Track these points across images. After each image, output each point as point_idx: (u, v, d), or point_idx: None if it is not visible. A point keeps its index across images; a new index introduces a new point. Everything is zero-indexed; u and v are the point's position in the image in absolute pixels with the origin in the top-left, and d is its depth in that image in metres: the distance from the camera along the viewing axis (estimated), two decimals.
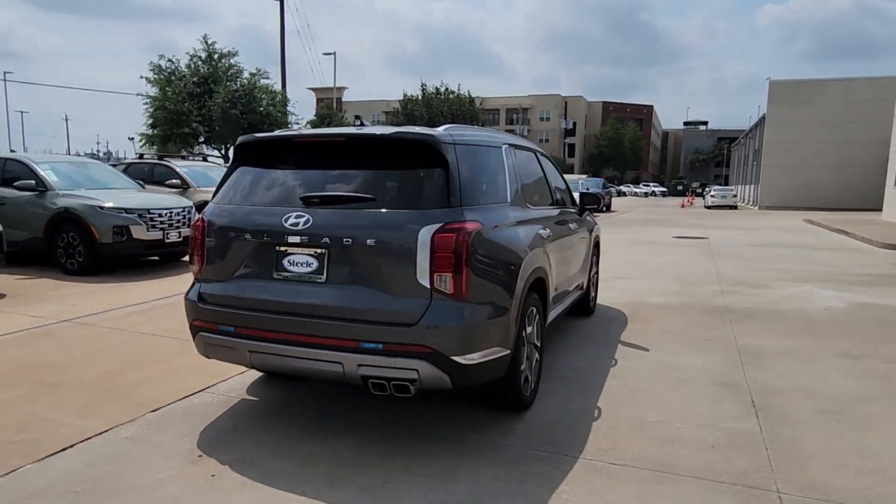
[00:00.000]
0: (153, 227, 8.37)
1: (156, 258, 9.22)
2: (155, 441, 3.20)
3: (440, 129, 3.27)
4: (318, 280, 3.01)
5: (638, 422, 3.52)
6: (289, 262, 3.06)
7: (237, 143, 3.40)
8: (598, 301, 6.81)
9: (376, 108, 77.04)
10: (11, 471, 2.86)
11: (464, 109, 30.47)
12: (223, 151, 28.86)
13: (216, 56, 28.15)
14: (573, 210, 5.41)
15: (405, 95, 30.90)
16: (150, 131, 27.41)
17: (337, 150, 3.23)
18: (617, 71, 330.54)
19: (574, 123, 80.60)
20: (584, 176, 36.48)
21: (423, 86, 30.45)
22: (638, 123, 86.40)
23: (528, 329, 3.62)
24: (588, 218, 5.99)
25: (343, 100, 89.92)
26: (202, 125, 25.88)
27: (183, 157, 15.89)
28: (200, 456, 3.04)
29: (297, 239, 3.00)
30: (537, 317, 3.78)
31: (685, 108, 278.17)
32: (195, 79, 27.31)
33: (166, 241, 8.54)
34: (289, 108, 29.80)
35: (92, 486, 2.74)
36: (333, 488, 2.74)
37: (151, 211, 8.41)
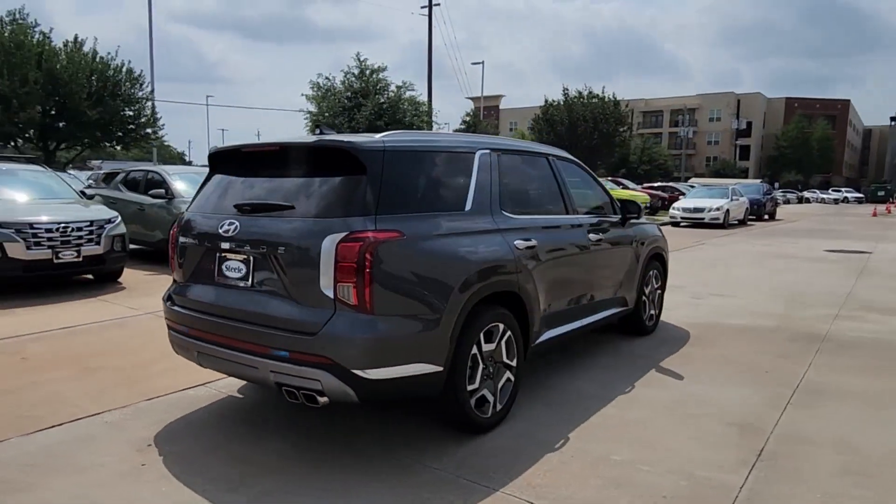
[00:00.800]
0: (37, 244, 6.95)
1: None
2: (125, 427, 3.51)
3: (379, 134, 3.20)
4: (244, 285, 3.10)
5: (598, 459, 3.13)
6: (226, 267, 3.19)
7: (209, 153, 3.63)
8: (670, 320, 6.17)
9: (531, 115, 77.06)
10: (1, 440, 3.31)
11: (607, 113, 29.23)
12: None
13: (368, 72, 30.05)
14: (612, 219, 4.97)
15: (546, 101, 30.45)
16: None
17: (273, 158, 3.30)
18: (810, 63, 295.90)
19: (749, 123, 73.65)
20: (744, 180, 33.02)
21: (565, 90, 29.80)
22: (829, 121, 76.12)
23: (489, 347, 3.39)
24: (642, 228, 5.46)
25: (500, 107, 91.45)
26: None
27: None
28: (149, 445, 3.27)
29: (227, 245, 3.12)
30: (508, 334, 3.53)
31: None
32: (348, 94, 29.41)
33: (56, 260, 7.07)
34: (434, 119, 30.88)
35: (46, 461, 3.08)
36: (232, 491, 2.80)
37: (35, 226, 6.99)
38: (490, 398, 3.43)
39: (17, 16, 18.29)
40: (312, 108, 29.26)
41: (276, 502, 2.71)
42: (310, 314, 2.85)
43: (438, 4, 34.79)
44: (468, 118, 40.11)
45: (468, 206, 3.42)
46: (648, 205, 24.30)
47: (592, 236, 4.52)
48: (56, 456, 3.14)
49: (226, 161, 3.57)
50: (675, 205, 20.83)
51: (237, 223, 3.10)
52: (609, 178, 26.97)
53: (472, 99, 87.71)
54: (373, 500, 2.72)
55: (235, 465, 3.04)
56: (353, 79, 30.12)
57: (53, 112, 18.12)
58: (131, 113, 19.67)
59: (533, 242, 3.76)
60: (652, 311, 5.73)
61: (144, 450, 3.22)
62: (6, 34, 17.44)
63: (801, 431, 3.50)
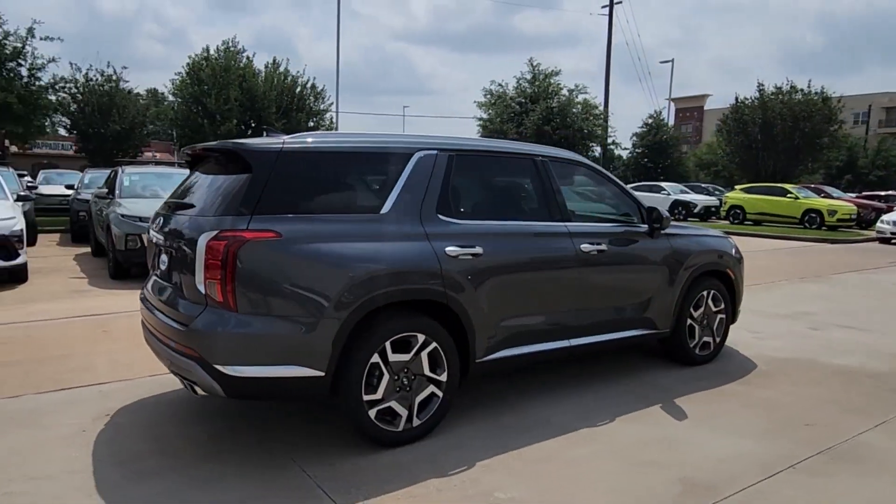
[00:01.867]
0: None
1: None
2: (109, 397, 3.96)
3: (294, 136, 3.22)
4: (165, 279, 3.34)
5: (480, 493, 2.81)
6: (160, 261, 3.47)
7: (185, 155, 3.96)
8: (752, 350, 5.28)
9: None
10: (17, 396, 3.97)
11: (812, 110, 25.22)
12: None
13: (541, 76, 29.87)
14: (634, 229, 4.37)
15: (737, 99, 27.28)
16: None
17: (202, 160, 3.48)
18: None
19: None
20: None
21: (760, 85, 26.40)
22: None
23: (400, 357, 3.22)
24: (691, 240, 4.71)
25: (705, 108, 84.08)
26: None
27: None
28: (107, 415, 3.68)
29: (156, 239, 3.40)
30: (433, 346, 3.31)
31: None
32: (520, 99, 29.54)
33: None
34: (610, 123, 29.65)
35: (25, 417, 3.62)
36: (120, 465, 3.03)
37: None
38: (401, 412, 3.25)
39: (230, 44, 21.55)
40: (483, 115, 29.91)
41: (146, 480, 2.88)
42: (189, 308, 2.99)
43: (620, 2, 33.37)
44: (651, 120, 37.69)
45: (386, 209, 3.28)
46: (854, 216, 20.62)
47: (588, 246, 4.01)
48: (16, 419, 3.62)
49: (190, 163, 3.88)
50: (885, 217, 17.38)
51: (162, 219, 3.36)
52: (804, 186, 23.35)
53: (673, 100, 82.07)
54: (222, 493, 2.76)
55: (146, 443, 3.29)
56: (526, 84, 30.17)
57: (250, 125, 21.01)
58: (312, 124, 21.97)
59: (477, 250, 3.47)
60: (706, 339, 4.90)
61: (100, 419, 3.63)
62: (219, 61, 20.63)
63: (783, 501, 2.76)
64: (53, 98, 18.88)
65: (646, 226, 4.43)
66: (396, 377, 3.23)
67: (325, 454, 3.17)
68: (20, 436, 3.37)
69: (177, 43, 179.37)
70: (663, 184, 25.95)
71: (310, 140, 3.29)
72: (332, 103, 23.31)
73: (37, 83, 18.95)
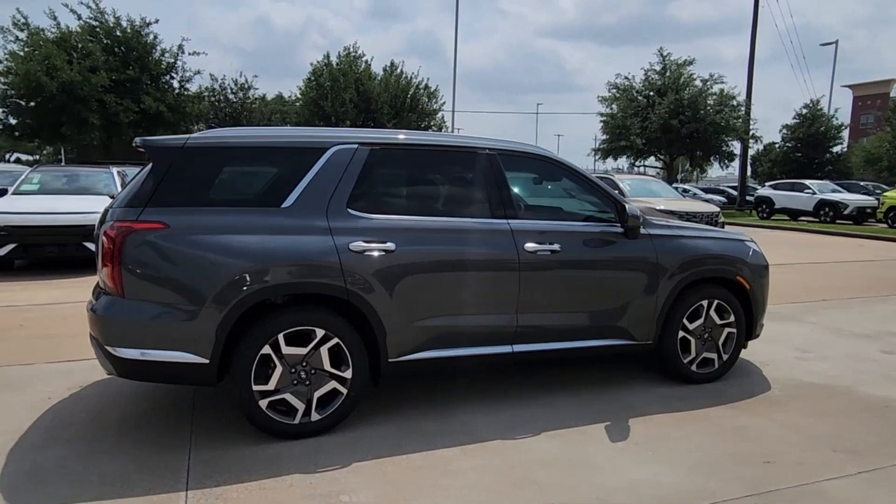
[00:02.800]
0: None
1: None
2: (78, 373, 4.31)
3: (206, 131, 3.36)
4: None
5: (324, 494, 2.75)
6: None
7: None
8: (777, 372, 4.60)
9: None
10: (31, 364, 4.56)
11: None
12: (666, 161, 28.67)
13: (672, 67, 28.01)
14: (608, 229, 3.98)
15: None
16: (602, 146, 29.59)
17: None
18: None
19: None
20: None
21: None
22: None
23: (296, 350, 3.24)
24: (684, 243, 4.19)
25: (892, 95, 73.33)
26: (640, 137, 26.31)
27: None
28: (81, 387, 4.10)
29: None
30: (335, 342, 3.29)
31: None
32: (647, 92, 27.94)
33: None
34: (752, 119, 27.06)
35: (15, 383, 4.15)
36: (43, 449, 3.37)
37: None
38: (297, 405, 3.27)
39: (351, 49, 22.77)
40: (606, 110, 28.72)
41: (55, 447, 3.17)
42: (98, 294, 3.24)
43: None
44: (805, 110, 33.61)
45: (288, 203, 3.30)
46: None
47: (534, 246, 3.72)
48: (31, 381, 4.18)
49: None
50: None
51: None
52: None
53: (851, 87, 72.20)
54: (104, 465, 2.97)
55: (85, 414, 3.62)
56: (655, 75, 28.49)
57: (367, 125, 22.07)
58: (423, 124, 22.54)
59: (389, 246, 3.38)
60: (708, 355, 4.32)
61: (72, 389, 4.06)
62: (340, 66, 21.89)
63: None
64: (196, 106, 21.27)
65: (620, 225, 4.02)
66: (293, 370, 3.25)
67: (224, 440, 3.27)
68: (2, 397, 3.87)
69: (335, 51, 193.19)
70: (808, 181, 23.08)
71: (216, 136, 3.40)
72: (444, 103, 23.69)
73: (185, 93, 21.50)
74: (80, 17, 20.01)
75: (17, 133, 20.25)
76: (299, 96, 22.61)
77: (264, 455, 3.11)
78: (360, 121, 21.36)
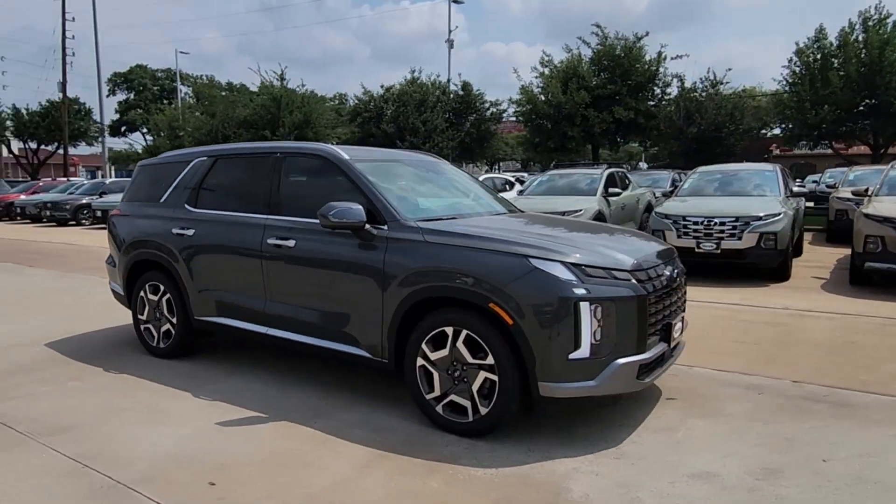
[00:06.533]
0: (685, 234, 8.24)
1: None
2: (106, 338, 6.77)
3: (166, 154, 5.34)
4: None
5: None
6: None
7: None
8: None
9: None
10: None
11: None
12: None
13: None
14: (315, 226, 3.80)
15: None
16: None
17: None
18: None
19: None
20: None
21: None
22: None
23: (153, 296, 4.88)
24: (406, 247, 3.47)
25: None
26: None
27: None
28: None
29: None
30: (168, 296, 4.75)
31: None
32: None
33: (697, 250, 8.07)
34: None
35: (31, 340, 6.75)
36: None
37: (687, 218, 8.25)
38: (154, 334, 4.89)
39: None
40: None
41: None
42: None
43: None
44: None
45: (162, 200, 4.89)
46: None
47: (274, 240, 4.03)
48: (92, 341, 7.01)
49: None
50: None
51: None
52: None
53: None
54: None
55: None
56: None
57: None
58: None
59: (190, 232, 4.55)
60: (459, 399, 3.35)
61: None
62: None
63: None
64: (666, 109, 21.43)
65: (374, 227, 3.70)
66: (150, 310, 4.89)
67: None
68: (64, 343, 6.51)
69: None
70: None
71: (159, 157, 5.31)
72: None
73: (666, 98, 22.10)
74: (589, 45, 23.00)
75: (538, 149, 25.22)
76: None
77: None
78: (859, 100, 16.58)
